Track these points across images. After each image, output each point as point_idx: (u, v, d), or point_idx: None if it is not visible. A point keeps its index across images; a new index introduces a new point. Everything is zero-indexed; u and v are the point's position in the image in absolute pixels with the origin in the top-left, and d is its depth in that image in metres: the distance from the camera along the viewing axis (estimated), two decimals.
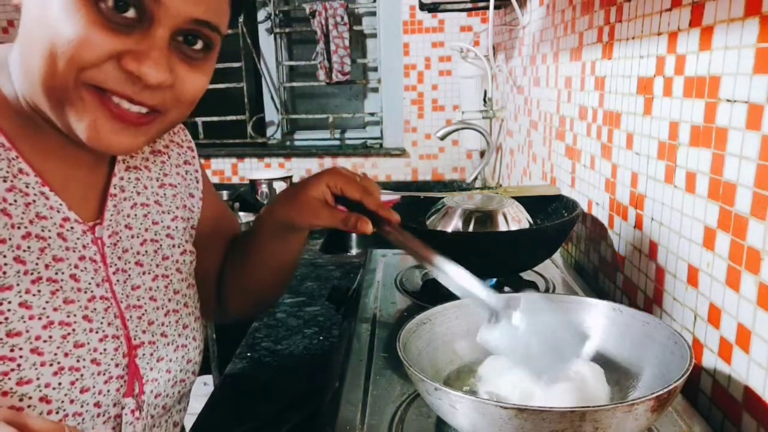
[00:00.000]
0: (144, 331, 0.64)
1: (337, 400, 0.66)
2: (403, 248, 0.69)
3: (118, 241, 0.65)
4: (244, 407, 1.02)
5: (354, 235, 2.27)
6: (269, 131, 2.79)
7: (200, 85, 0.57)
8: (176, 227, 0.73)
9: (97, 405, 0.58)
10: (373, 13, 2.62)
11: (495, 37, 2.08)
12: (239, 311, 0.90)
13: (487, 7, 1.62)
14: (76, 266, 0.59)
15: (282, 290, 0.90)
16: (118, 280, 0.63)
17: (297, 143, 2.86)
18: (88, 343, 0.58)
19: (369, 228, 0.69)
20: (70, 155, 0.60)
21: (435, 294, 0.94)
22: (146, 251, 0.68)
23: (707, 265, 0.67)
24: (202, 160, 2.95)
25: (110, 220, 0.64)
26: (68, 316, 0.57)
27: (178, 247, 0.73)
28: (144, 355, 0.64)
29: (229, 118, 2.75)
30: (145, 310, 0.65)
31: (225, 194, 2.65)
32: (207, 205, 0.81)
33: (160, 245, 0.70)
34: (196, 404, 0.85)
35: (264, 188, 2.37)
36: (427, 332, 0.64)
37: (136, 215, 0.68)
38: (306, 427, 0.94)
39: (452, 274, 0.63)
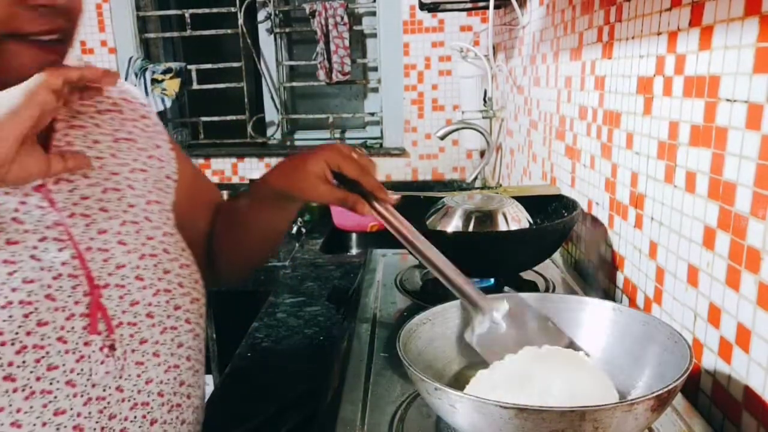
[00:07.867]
0: (110, 274, 0.64)
1: (337, 400, 0.66)
2: (393, 231, 0.70)
3: (74, 188, 0.66)
4: (244, 407, 1.02)
5: (354, 235, 2.27)
6: (269, 131, 2.79)
7: (81, 3, 0.61)
8: (136, 178, 0.73)
9: (61, 340, 0.59)
10: (373, 13, 2.62)
11: (495, 36, 2.08)
12: (231, 275, 0.94)
13: (487, 7, 1.62)
14: (16, 210, 0.60)
15: (273, 252, 0.93)
16: (75, 223, 0.64)
17: (297, 143, 2.85)
18: (40, 280, 0.59)
19: (366, 210, 0.71)
20: None
21: (435, 294, 0.94)
22: (109, 198, 0.69)
23: (707, 265, 0.67)
24: (202, 160, 2.95)
25: None
26: (12, 255, 0.58)
27: (143, 197, 0.73)
28: (111, 296, 0.64)
29: (229, 118, 2.75)
30: (113, 254, 0.65)
31: (225, 194, 2.64)
32: (181, 167, 0.81)
33: (123, 194, 0.70)
34: None
35: None
36: (427, 332, 0.64)
37: (92, 167, 0.69)
38: (306, 427, 0.94)
39: (440, 265, 0.67)
